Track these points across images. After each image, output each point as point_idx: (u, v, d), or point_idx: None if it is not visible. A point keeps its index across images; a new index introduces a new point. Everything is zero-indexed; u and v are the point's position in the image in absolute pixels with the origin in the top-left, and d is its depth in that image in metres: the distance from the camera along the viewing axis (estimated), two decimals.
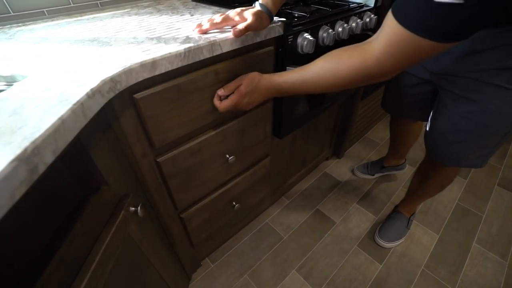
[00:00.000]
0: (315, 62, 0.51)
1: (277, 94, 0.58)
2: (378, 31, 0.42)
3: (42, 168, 0.27)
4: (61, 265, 0.35)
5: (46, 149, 0.27)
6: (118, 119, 0.46)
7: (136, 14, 0.73)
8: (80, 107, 0.33)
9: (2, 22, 0.66)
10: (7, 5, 0.65)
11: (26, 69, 0.42)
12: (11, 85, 0.42)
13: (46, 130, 0.28)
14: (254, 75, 0.56)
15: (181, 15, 0.69)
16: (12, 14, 0.67)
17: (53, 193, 0.41)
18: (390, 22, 0.38)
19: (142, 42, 0.51)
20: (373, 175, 1.33)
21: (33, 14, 0.70)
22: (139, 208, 0.48)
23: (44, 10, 0.71)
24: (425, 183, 0.93)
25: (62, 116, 0.30)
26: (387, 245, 1.04)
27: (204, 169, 0.68)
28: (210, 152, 0.66)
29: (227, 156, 0.71)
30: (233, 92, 0.57)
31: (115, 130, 0.46)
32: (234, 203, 0.87)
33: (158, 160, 0.57)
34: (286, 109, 0.80)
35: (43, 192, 0.39)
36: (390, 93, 0.97)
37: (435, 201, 1.23)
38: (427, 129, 0.78)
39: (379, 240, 1.05)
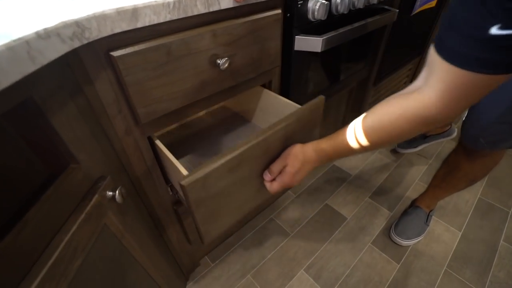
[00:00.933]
0: (362, 121, 0.45)
1: (326, 161, 0.53)
2: (425, 74, 0.37)
3: None
4: (4, 260, 0.26)
5: None
6: (92, 83, 0.38)
7: None
8: (23, 46, 0.24)
9: None
10: None
11: None
12: None
13: None
14: (297, 151, 0.51)
15: None
16: None
17: (9, 171, 0.32)
18: (440, 65, 0.33)
19: None
20: (416, 147, 1.24)
21: None
22: (117, 192, 0.39)
23: None
24: (453, 175, 0.83)
25: None
26: (404, 242, 0.94)
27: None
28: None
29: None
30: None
31: (87, 95, 0.38)
32: None
33: (149, 135, 0.48)
34: (294, 86, 0.71)
35: None
36: None
37: (455, 195, 1.12)
38: (466, 114, 0.68)
39: (395, 238, 0.95)
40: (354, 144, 0.47)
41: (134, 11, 0.36)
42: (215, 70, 0.50)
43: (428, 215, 0.98)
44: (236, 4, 0.47)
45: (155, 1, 0.37)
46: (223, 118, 0.80)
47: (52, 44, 0.28)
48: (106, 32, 0.34)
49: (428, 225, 0.99)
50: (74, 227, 0.33)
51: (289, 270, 0.90)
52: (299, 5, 0.57)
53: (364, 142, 0.45)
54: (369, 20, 0.72)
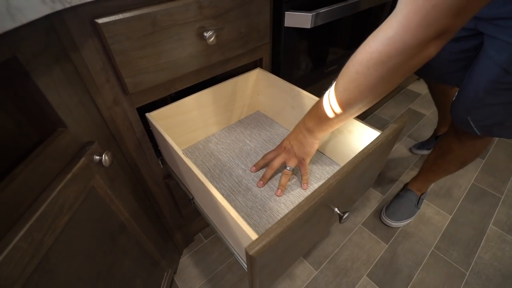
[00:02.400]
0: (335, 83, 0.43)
1: (319, 133, 0.50)
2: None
3: None
4: None
5: None
6: (78, 49, 0.39)
7: None
8: (2, 2, 0.25)
9: None
10: None
11: None
12: None
13: None
14: (290, 136, 0.57)
15: None
16: None
17: None
18: None
19: None
20: (429, 149, 1.23)
21: None
22: (104, 156, 0.41)
23: None
24: (444, 158, 0.83)
25: None
26: (394, 224, 0.96)
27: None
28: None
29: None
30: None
31: (74, 62, 0.39)
32: None
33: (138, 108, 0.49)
34: (285, 64, 0.71)
35: None
36: None
37: (449, 181, 1.13)
38: (457, 93, 0.68)
39: (386, 219, 0.97)
40: (330, 113, 0.45)
41: None
42: (202, 43, 0.51)
43: (419, 198, 1.00)
44: None
45: None
46: None
47: (32, 3, 0.28)
48: None
49: (419, 208, 1.00)
50: (61, 185, 0.35)
51: None
52: None
53: (339, 105, 0.42)
54: None
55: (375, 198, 1.08)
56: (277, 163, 0.57)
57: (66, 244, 0.36)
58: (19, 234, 0.29)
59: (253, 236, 0.33)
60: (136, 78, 0.46)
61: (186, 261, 0.89)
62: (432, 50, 0.31)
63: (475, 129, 0.66)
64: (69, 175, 0.36)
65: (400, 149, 1.30)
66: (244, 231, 0.34)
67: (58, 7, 0.32)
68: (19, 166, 0.32)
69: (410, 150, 1.29)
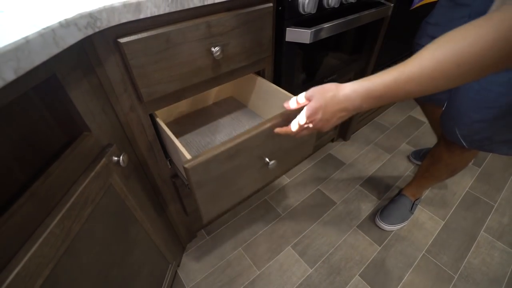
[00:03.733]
0: (421, 53, 0.35)
1: (365, 104, 0.42)
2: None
3: (0, 83, 0.26)
4: (32, 199, 0.34)
5: (5, 64, 0.26)
6: (102, 64, 0.45)
7: None
8: (50, 33, 0.31)
9: None
10: None
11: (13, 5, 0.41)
12: None
13: (8, 45, 0.26)
14: (329, 86, 0.44)
15: None
16: None
17: (35, 135, 0.41)
18: None
19: None
20: None
21: None
22: (121, 158, 0.47)
23: None
24: (436, 166, 0.87)
25: (28, 36, 0.29)
26: (387, 227, 1.01)
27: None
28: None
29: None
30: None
31: (98, 75, 0.45)
32: None
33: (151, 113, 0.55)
34: (286, 75, 0.76)
35: (22, 130, 0.38)
36: None
37: (444, 187, 1.17)
38: (444, 107, 0.71)
39: (380, 222, 1.02)
40: (411, 83, 0.36)
41: (138, 4, 0.42)
42: (210, 57, 0.57)
43: (413, 203, 1.04)
44: None
45: None
46: (219, 101, 0.88)
47: (71, 31, 0.35)
48: (114, 22, 0.41)
49: (412, 213, 1.04)
50: (86, 182, 0.41)
51: (277, 246, 0.98)
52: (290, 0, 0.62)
53: (427, 78, 0.35)
54: (361, 14, 0.76)
55: (371, 202, 1.12)
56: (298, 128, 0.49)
57: (88, 232, 0.43)
58: (54, 221, 0.35)
59: (188, 156, 0.49)
60: (151, 88, 0.52)
61: (189, 256, 0.95)
62: None
63: (463, 142, 0.69)
64: (93, 173, 0.42)
65: (398, 155, 1.34)
66: (182, 153, 0.50)
67: (90, 32, 0.38)
68: (54, 164, 0.38)
69: (408, 157, 1.33)
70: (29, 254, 0.31)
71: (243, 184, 0.58)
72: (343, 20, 0.71)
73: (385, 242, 0.98)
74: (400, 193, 1.07)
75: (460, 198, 1.13)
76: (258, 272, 0.90)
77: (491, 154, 1.32)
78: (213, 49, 0.55)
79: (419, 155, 1.29)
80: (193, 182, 0.48)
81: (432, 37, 0.36)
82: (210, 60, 0.57)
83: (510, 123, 0.59)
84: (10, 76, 0.27)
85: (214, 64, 0.58)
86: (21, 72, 0.28)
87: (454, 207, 1.10)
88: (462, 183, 1.19)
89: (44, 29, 0.31)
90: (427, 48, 0.35)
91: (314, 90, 0.45)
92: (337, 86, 0.43)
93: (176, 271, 0.90)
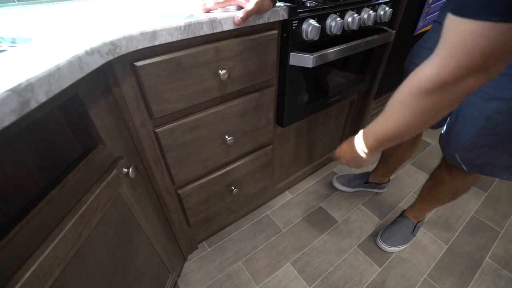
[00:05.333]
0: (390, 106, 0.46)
1: (366, 150, 0.56)
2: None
3: (34, 104, 0.30)
4: (50, 205, 0.38)
5: (40, 88, 0.31)
6: (119, 85, 0.50)
7: None
8: (77, 60, 0.36)
9: (32, 1, 0.74)
10: None
11: (41, 33, 0.47)
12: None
13: (42, 73, 0.31)
14: (351, 138, 0.62)
15: None
16: None
17: (55, 145, 0.45)
18: (445, 25, 0.33)
19: (148, 17, 0.54)
20: (353, 187, 1.23)
21: None
22: (130, 169, 0.51)
23: None
24: (437, 189, 0.87)
25: (59, 64, 0.33)
26: (388, 249, 1.00)
27: (202, 147, 0.70)
28: (208, 130, 0.68)
29: (226, 137, 0.73)
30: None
31: (115, 94, 0.50)
32: (232, 188, 0.88)
33: (156, 130, 0.60)
34: (289, 95, 0.80)
35: (45, 142, 0.43)
36: None
37: (448, 210, 1.16)
38: (443, 131, 0.71)
39: (381, 243, 1.01)
40: (386, 130, 0.48)
41: (153, 33, 0.47)
42: (217, 79, 0.61)
43: (416, 225, 1.03)
44: (237, 26, 0.57)
45: (170, 25, 0.49)
46: None
47: (94, 58, 0.40)
48: (132, 48, 0.46)
49: (414, 235, 1.03)
50: (98, 191, 0.44)
51: (277, 261, 0.98)
52: (294, 27, 0.67)
53: (393, 128, 0.46)
54: (363, 40, 0.80)
55: (373, 222, 1.12)
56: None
57: (96, 238, 0.46)
58: (67, 226, 0.39)
59: None
60: (161, 106, 0.57)
61: (189, 266, 0.97)
62: (467, 86, 0.35)
63: (463, 166, 0.70)
64: (104, 183, 0.46)
65: (402, 175, 1.34)
66: None
67: (110, 57, 0.43)
68: (71, 173, 0.42)
69: (331, 181, 1.28)
70: (44, 255, 0.34)
71: (207, 155, 0.72)
72: (345, 46, 0.75)
73: (385, 264, 0.97)
74: (402, 215, 1.07)
75: (465, 223, 1.11)
76: (257, 287, 0.91)
77: (498, 178, 1.30)
78: (220, 71, 0.60)
79: (347, 181, 1.25)
80: (163, 145, 0.62)
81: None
82: (217, 81, 0.62)
83: (510, 149, 0.59)
84: (42, 98, 0.31)
85: (220, 85, 0.63)
86: (51, 94, 0.32)
87: (458, 231, 1.08)
88: (467, 207, 1.18)
89: (72, 57, 0.36)
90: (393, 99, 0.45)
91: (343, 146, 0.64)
92: (354, 136, 0.60)
93: (176, 281, 0.92)
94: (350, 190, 1.24)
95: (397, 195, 1.24)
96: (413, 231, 1.03)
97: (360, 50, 0.81)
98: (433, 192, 0.90)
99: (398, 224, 1.04)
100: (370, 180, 1.21)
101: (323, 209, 1.18)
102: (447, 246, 1.03)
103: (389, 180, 1.25)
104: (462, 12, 0.30)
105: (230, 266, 0.97)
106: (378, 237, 1.04)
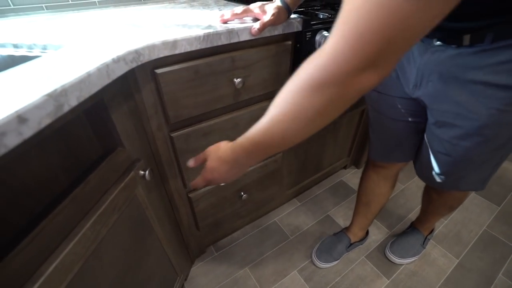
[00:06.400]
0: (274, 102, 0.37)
1: (246, 158, 0.42)
2: None
3: (66, 108, 0.32)
4: (73, 203, 0.40)
5: (72, 93, 0.33)
6: (140, 91, 0.52)
7: (171, 8, 0.81)
8: (105, 67, 0.39)
9: (60, 9, 0.78)
10: None
11: (70, 40, 0.50)
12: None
13: (74, 79, 0.33)
14: (219, 144, 0.47)
15: (210, 10, 0.75)
16: (70, 2, 0.78)
17: (77, 146, 0.48)
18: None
19: (169, 27, 0.57)
20: (338, 259, 1.01)
21: (87, 3, 0.81)
22: (147, 172, 0.53)
23: (96, 0, 0.82)
24: (432, 204, 0.85)
25: (89, 71, 0.36)
26: (398, 260, 0.99)
27: None
28: (221, 136, 0.70)
29: None
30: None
31: (136, 100, 0.52)
32: (242, 193, 0.90)
33: (172, 135, 0.62)
34: None
35: (69, 143, 0.46)
36: (375, 132, 0.77)
37: (459, 224, 1.14)
38: (416, 159, 0.71)
39: (390, 255, 1.00)
40: (271, 135, 0.37)
41: (174, 42, 0.50)
42: (232, 87, 0.63)
43: (426, 238, 1.01)
44: (253, 37, 0.59)
45: (190, 35, 0.51)
46: None
47: (120, 65, 0.42)
48: (154, 56, 0.49)
49: (424, 248, 1.02)
50: (116, 192, 0.46)
51: (284, 269, 0.98)
52: (307, 38, 0.69)
53: (280, 130, 0.36)
54: None
55: (381, 233, 1.11)
56: None
57: (112, 237, 0.48)
58: (88, 224, 0.40)
59: None
60: (178, 112, 0.59)
61: (196, 270, 0.98)
62: (364, 82, 0.29)
63: (443, 187, 0.67)
64: (122, 184, 0.48)
65: (411, 186, 1.32)
66: None
67: (134, 65, 0.46)
68: (92, 173, 0.44)
69: (311, 260, 1.02)
70: (66, 251, 0.36)
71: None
72: None
73: (394, 276, 0.96)
74: (411, 226, 1.06)
75: (477, 237, 1.09)
76: None
77: (511, 193, 1.28)
78: (235, 80, 0.62)
79: (329, 254, 1.01)
80: (177, 149, 0.64)
81: None
82: (232, 89, 0.64)
83: (478, 165, 0.56)
84: (74, 103, 0.33)
85: (235, 92, 0.65)
86: (81, 99, 0.35)
87: (470, 246, 1.06)
88: (479, 220, 1.15)
89: (101, 64, 0.38)
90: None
91: (209, 149, 0.48)
92: (227, 143, 0.45)
93: (183, 284, 0.93)
94: (337, 262, 1.01)
95: (406, 206, 1.22)
96: (423, 244, 1.01)
97: None
98: (430, 207, 0.88)
99: (407, 236, 1.03)
100: (353, 240, 1.03)
101: (331, 217, 1.17)
102: (458, 261, 1.01)
103: (368, 233, 1.08)
104: None
105: (237, 271, 0.97)
106: (387, 248, 1.02)
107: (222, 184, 0.50)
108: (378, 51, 0.26)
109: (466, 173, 0.59)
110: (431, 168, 0.63)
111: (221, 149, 0.45)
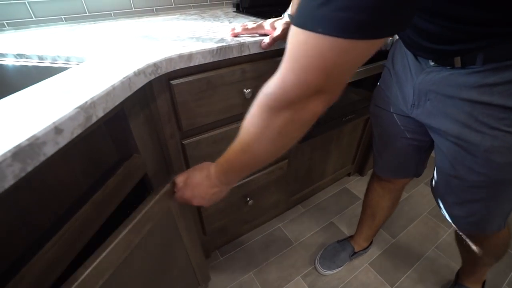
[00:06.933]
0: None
1: (224, 176, 0.47)
2: None
3: (94, 119, 0.35)
4: (93, 206, 0.42)
5: (99, 105, 0.36)
6: (156, 100, 0.55)
7: (183, 19, 0.85)
8: (127, 80, 0.41)
9: (78, 20, 0.82)
10: (85, 6, 0.81)
11: (91, 53, 0.53)
12: (77, 64, 0.53)
13: (102, 92, 0.36)
14: (203, 164, 0.51)
15: (221, 22, 0.78)
16: (87, 14, 0.82)
17: (97, 152, 0.50)
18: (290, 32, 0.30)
19: (183, 40, 0.60)
20: (341, 266, 1.02)
21: (103, 15, 0.85)
22: None
23: (111, 12, 0.86)
24: (472, 254, 0.71)
25: (114, 84, 0.39)
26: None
27: None
28: (230, 144, 0.72)
29: None
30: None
31: (151, 108, 0.55)
32: (248, 199, 0.92)
33: (183, 142, 0.64)
34: None
35: (90, 149, 0.48)
36: (378, 149, 0.77)
37: None
38: (433, 184, 0.63)
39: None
40: (240, 158, 0.43)
41: (190, 56, 0.53)
42: (242, 97, 0.66)
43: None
44: (263, 50, 0.62)
45: (204, 49, 0.54)
46: None
47: (140, 78, 0.45)
48: (170, 69, 0.52)
49: None
50: (152, 202, 0.48)
51: (288, 274, 0.99)
52: None
53: (246, 154, 0.42)
54: (377, 64, 0.83)
55: (384, 241, 1.11)
56: None
57: (144, 245, 0.49)
58: (123, 232, 0.42)
59: None
60: (190, 120, 0.61)
61: None
62: (314, 106, 0.33)
63: (467, 227, 0.60)
64: (157, 196, 0.50)
65: (415, 195, 1.33)
66: None
67: (152, 77, 0.49)
68: (111, 179, 0.47)
69: (314, 266, 1.02)
70: (100, 257, 0.38)
71: None
72: (360, 69, 0.79)
73: (397, 284, 0.96)
74: (457, 283, 0.91)
75: None
76: None
77: None
78: (245, 90, 0.65)
79: (332, 261, 1.01)
80: (188, 156, 0.66)
81: None
82: (242, 99, 0.66)
83: (498, 200, 0.52)
84: (100, 114, 0.36)
85: (244, 102, 0.67)
86: (107, 110, 0.37)
87: None
88: None
89: (124, 77, 0.41)
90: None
91: (194, 167, 0.51)
92: (210, 163, 0.49)
93: None
94: (339, 269, 1.01)
95: (410, 214, 1.23)
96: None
97: (375, 73, 0.84)
98: (470, 257, 0.76)
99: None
100: (356, 249, 1.03)
101: (335, 224, 1.18)
102: None
103: (372, 241, 1.08)
104: (295, 21, 0.29)
105: (241, 276, 0.99)
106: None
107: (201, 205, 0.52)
108: (320, 82, 0.30)
109: (484, 208, 0.53)
110: (443, 194, 0.59)
111: (204, 166, 0.50)
